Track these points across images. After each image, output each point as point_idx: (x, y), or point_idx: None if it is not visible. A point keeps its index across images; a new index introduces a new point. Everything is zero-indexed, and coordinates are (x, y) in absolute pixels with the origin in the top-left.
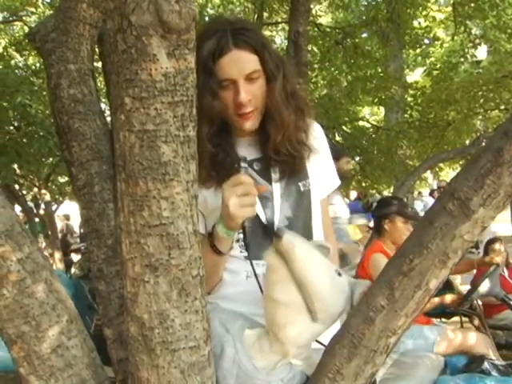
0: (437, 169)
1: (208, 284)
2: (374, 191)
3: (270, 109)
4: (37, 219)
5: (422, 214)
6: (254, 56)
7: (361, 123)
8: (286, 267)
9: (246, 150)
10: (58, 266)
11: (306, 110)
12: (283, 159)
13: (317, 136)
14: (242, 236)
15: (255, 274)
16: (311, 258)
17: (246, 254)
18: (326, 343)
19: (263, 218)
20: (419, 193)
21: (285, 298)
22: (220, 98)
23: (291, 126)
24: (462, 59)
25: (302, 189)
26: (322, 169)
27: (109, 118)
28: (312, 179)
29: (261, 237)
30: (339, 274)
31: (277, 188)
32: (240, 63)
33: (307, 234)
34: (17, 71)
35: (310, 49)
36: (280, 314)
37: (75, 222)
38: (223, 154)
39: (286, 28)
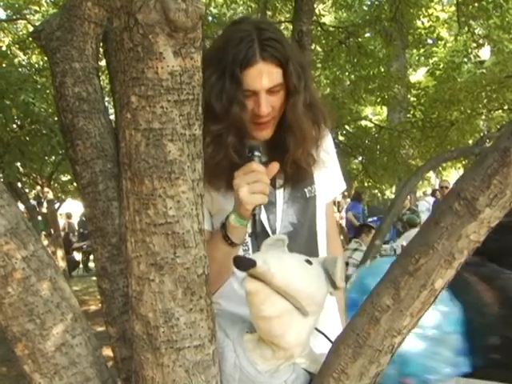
0: (440, 169)
1: (218, 279)
2: (377, 191)
3: (291, 123)
4: (39, 217)
5: (426, 214)
6: (279, 69)
7: (363, 123)
8: (267, 286)
9: None
10: (61, 264)
11: (322, 121)
12: (290, 168)
13: (326, 149)
14: (247, 240)
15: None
16: (285, 267)
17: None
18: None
19: (266, 224)
20: (424, 193)
21: (275, 311)
22: (247, 110)
23: (309, 140)
24: (466, 59)
25: (307, 195)
26: (328, 176)
27: (112, 117)
28: (318, 185)
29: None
30: (309, 263)
31: (280, 194)
32: (265, 77)
33: (312, 238)
34: (20, 69)
35: (313, 48)
36: (275, 328)
37: (77, 221)
38: (238, 157)
39: (290, 27)
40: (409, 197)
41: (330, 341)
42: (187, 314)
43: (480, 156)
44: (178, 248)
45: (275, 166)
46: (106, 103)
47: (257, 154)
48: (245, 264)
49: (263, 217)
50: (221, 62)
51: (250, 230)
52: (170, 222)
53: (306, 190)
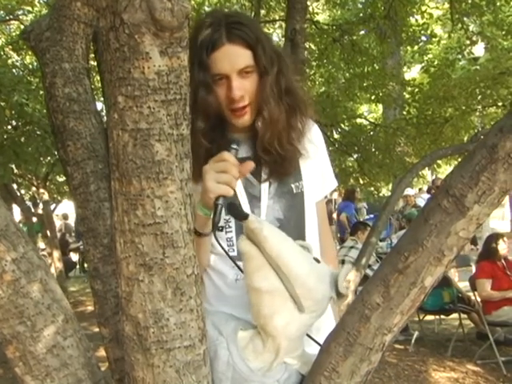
0: (435, 165)
1: None
2: (372, 188)
3: (261, 105)
4: (35, 219)
5: None
6: (248, 51)
7: (359, 120)
8: (261, 253)
9: (240, 147)
10: (57, 265)
11: (303, 108)
12: (273, 159)
13: (312, 139)
14: (231, 235)
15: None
16: (283, 241)
17: (234, 253)
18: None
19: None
20: (420, 189)
21: (266, 285)
22: (214, 93)
23: (281, 123)
24: (460, 56)
25: (294, 190)
26: (316, 171)
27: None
28: (305, 181)
29: None
30: (317, 261)
31: (265, 188)
32: (233, 58)
33: (300, 235)
34: (14, 70)
35: (307, 46)
36: (265, 304)
37: (74, 220)
38: (218, 150)
39: (284, 26)
40: (412, 193)
41: (318, 344)
42: (177, 314)
43: (468, 153)
44: (166, 248)
45: (250, 164)
46: (101, 103)
47: (234, 146)
48: (237, 212)
49: (248, 211)
50: (190, 50)
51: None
52: (158, 223)
53: (292, 185)
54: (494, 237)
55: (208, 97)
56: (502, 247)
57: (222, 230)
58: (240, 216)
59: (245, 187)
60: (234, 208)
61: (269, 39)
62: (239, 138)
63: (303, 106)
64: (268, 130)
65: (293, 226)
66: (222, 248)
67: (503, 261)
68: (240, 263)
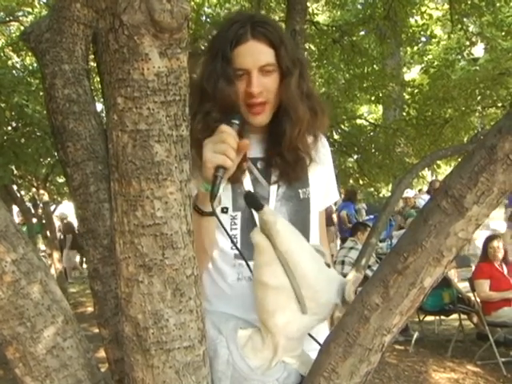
0: (435, 166)
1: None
2: (372, 189)
3: (286, 104)
4: (35, 220)
5: None
6: (271, 50)
7: (358, 121)
8: (273, 248)
9: (253, 148)
10: (57, 266)
11: (320, 114)
12: (287, 160)
13: (324, 145)
14: (236, 232)
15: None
16: (295, 238)
17: (236, 251)
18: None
19: (257, 219)
20: (419, 190)
21: (274, 281)
22: (234, 86)
23: (306, 122)
24: (459, 57)
25: (301, 196)
26: (322, 180)
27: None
28: (312, 188)
29: None
30: (328, 266)
31: (274, 190)
32: (255, 54)
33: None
34: (14, 71)
35: (307, 47)
36: (269, 300)
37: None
38: None
39: (284, 26)
40: (413, 194)
41: (318, 344)
42: (177, 315)
43: (467, 154)
44: (166, 249)
45: (246, 142)
46: (100, 104)
47: (234, 121)
48: (253, 202)
49: (254, 213)
50: (214, 45)
51: (229, 204)
52: (158, 224)
53: (300, 191)
54: (492, 238)
55: (227, 87)
56: (500, 248)
57: (226, 212)
58: (256, 206)
59: (254, 187)
60: (250, 197)
61: (291, 43)
62: (253, 140)
63: (321, 110)
64: (296, 129)
65: (298, 230)
66: (227, 232)
67: (502, 262)
68: (239, 261)
